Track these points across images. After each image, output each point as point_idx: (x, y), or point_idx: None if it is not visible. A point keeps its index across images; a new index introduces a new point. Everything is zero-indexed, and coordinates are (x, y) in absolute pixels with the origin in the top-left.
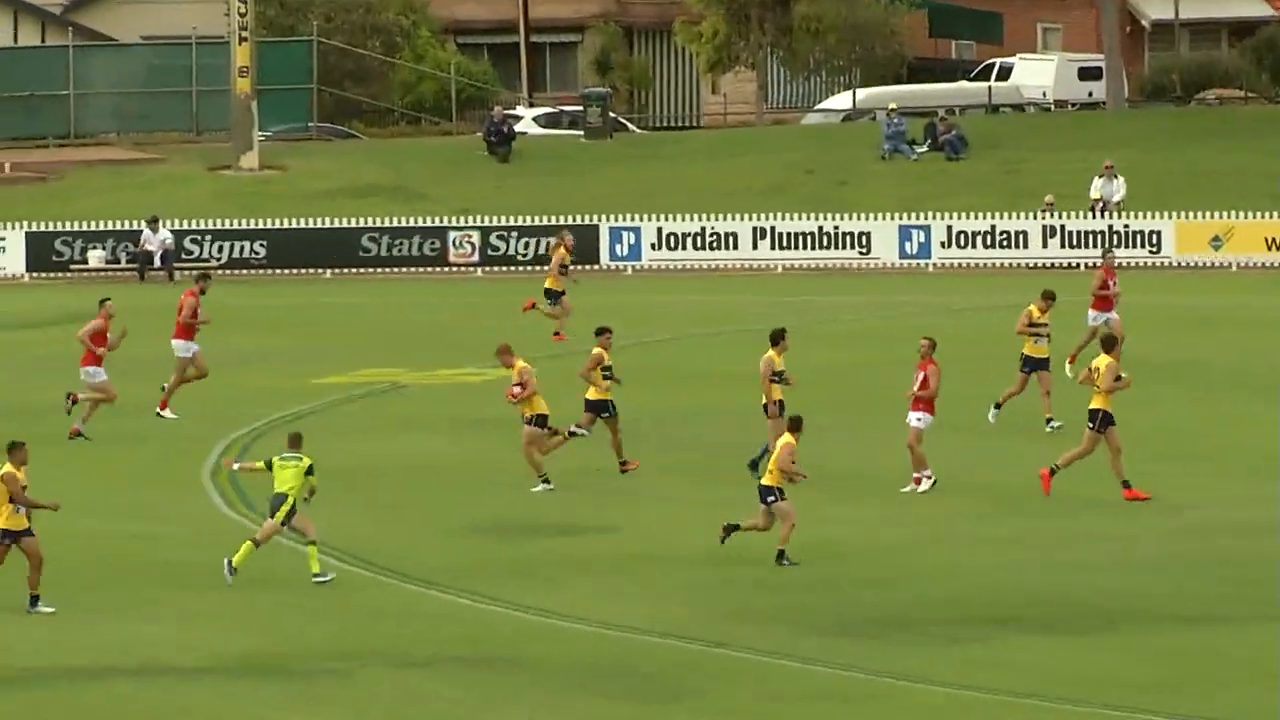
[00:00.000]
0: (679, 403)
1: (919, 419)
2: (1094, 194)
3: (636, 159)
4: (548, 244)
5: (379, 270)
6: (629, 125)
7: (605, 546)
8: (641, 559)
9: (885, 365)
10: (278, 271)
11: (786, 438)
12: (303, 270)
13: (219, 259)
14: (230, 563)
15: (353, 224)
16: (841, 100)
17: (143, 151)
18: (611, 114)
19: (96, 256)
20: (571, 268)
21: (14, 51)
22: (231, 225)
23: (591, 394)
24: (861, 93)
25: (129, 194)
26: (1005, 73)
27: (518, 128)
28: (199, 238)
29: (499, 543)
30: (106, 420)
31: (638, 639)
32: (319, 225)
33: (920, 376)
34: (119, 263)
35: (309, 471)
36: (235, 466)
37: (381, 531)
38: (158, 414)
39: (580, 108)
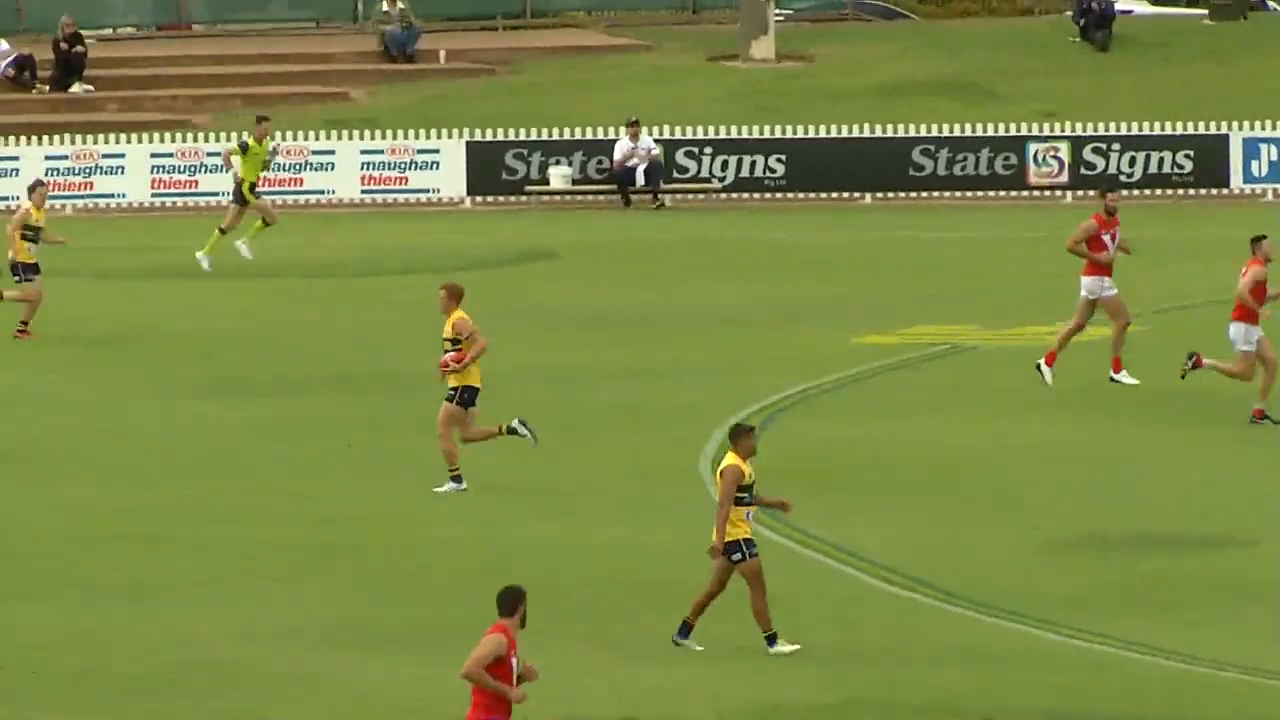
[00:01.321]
0: None
1: None
2: None
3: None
4: (1160, 160)
5: (935, 194)
6: (1269, 2)
7: (1249, 565)
8: None
9: None
10: (799, 195)
11: None
12: (833, 194)
13: (722, 178)
14: None
15: (900, 133)
16: None
17: (622, 36)
18: None
19: (560, 175)
20: (1187, 192)
21: None
22: (739, 134)
23: None
24: None
25: (603, 93)
26: None
27: (1120, 6)
28: (695, 150)
29: (1109, 559)
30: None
31: None
32: (854, 134)
33: None
34: (589, 182)
35: None
36: None
37: (948, 544)
38: None
39: None
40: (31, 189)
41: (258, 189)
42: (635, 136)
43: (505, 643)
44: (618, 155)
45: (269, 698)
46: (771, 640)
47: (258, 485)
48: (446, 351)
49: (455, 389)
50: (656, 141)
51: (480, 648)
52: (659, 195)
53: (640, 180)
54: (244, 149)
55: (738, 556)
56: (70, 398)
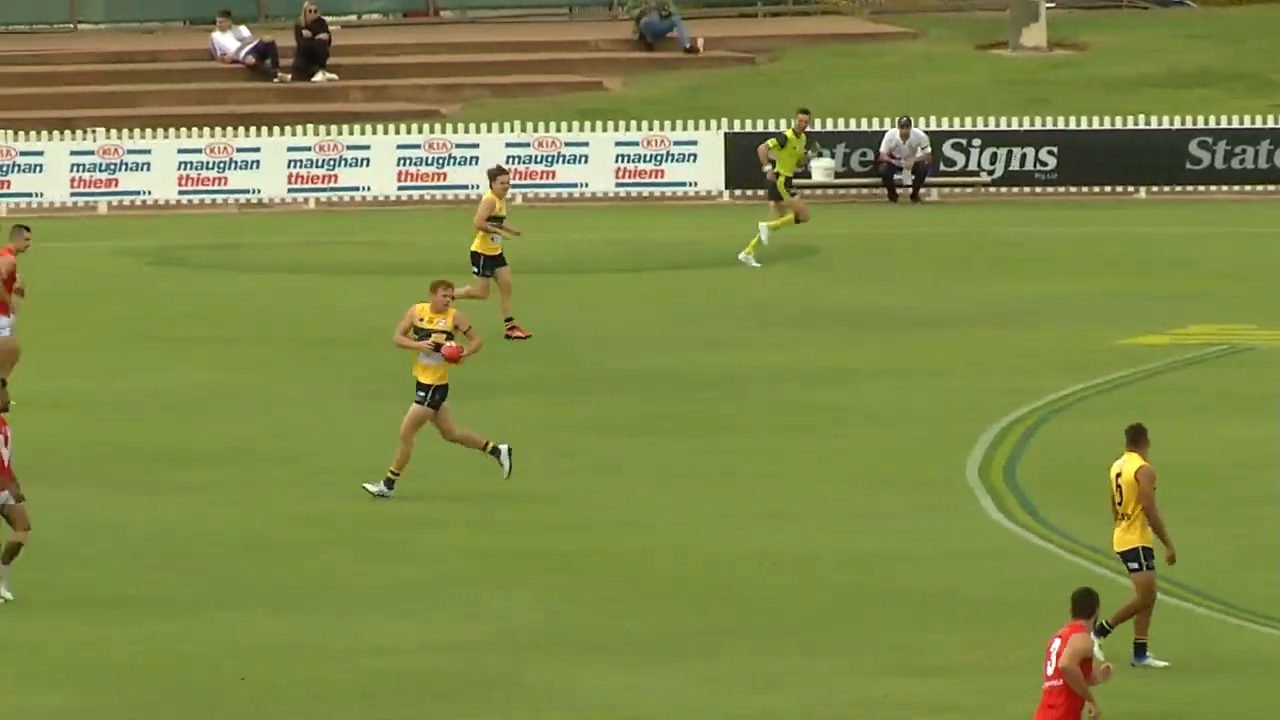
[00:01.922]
0: None
1: None
2: None
3: None
4: None
5: (1212, 187)
6: None
7: None
8: None
9: None
10: (1071, 189)
11: None
12: (1105, 187)
13: (991, 171)
14: None
15: (1176, 124)
16: None
17: (887, 24)
18: None
19: (822, 167)
20: None
21: None
22: (1009, 126)
23: None
24: None
25: (867, 81)
26: None
27: None
28: (963, 142)
29: None
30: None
31: None
32: (1129, 126)
33: None
34: (852, 175)
35: None
36: None
37: (1223, 553)
38: None
39: None
40: (493, 176)
41: (793, 184)
42: (905, 136)
43: (1092, 643)
44: (884, 149)
45: (470, 708)
46: (1140, 651)
47: (459, 490)
48: (440, 343)
49: (429, 389)
50: (927, 133)
51: (1073, 644)
52: (919, 192)
53: (908, 176)
54: (782, 142)
55: (1135, 566)
56: (278, 398)
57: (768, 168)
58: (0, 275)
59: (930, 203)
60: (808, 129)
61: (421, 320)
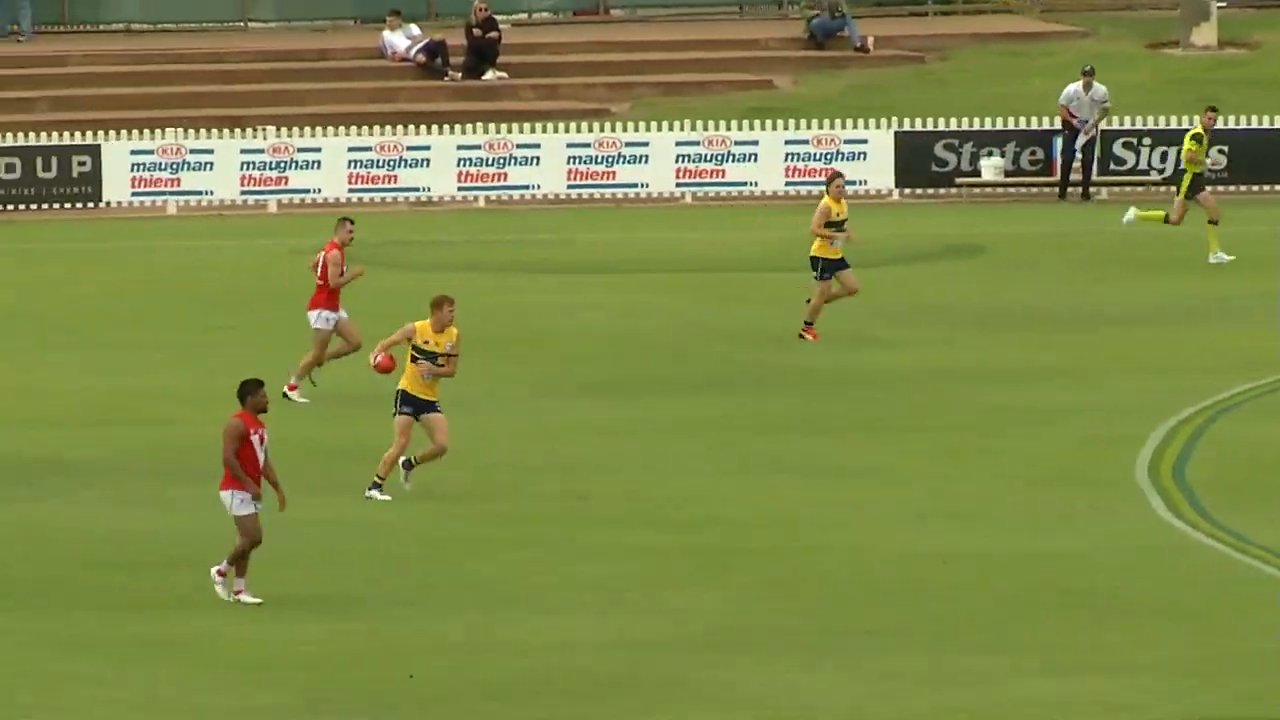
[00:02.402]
0: None
1: None
2: None
3: None
4: None
5: None
6: None
7: None
8: None
9: None
10: (1241, 188)
11: None
12: (1277, 186)
13: (1161, 170)
14: None
15: None
16: None
17: (1057, 22)
18: None
19: (992, 166)
20: None
21: None
22: (1179, 124)
23: None
24: None
25: (1036, 80)
26: None
27: None
28: (1133, 140)
29: None
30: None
31: None
32: None
33: None
34: (1022, 174)
35: None
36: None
37: None
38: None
39: None
40: (830, 180)
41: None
42: (1088, 87)
43: None
44: (1063, 101)
45: (640, 707)
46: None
47: (628, 489)
48: (431, 360)
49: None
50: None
51: None
52: (1089, 190)
53: (1080, 141)
54: (1199, 139)
55: None
56: (451, 397)
57: (1199, 165)
58: (334, 269)
59: (1100, 201)
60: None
61: (427, 343)
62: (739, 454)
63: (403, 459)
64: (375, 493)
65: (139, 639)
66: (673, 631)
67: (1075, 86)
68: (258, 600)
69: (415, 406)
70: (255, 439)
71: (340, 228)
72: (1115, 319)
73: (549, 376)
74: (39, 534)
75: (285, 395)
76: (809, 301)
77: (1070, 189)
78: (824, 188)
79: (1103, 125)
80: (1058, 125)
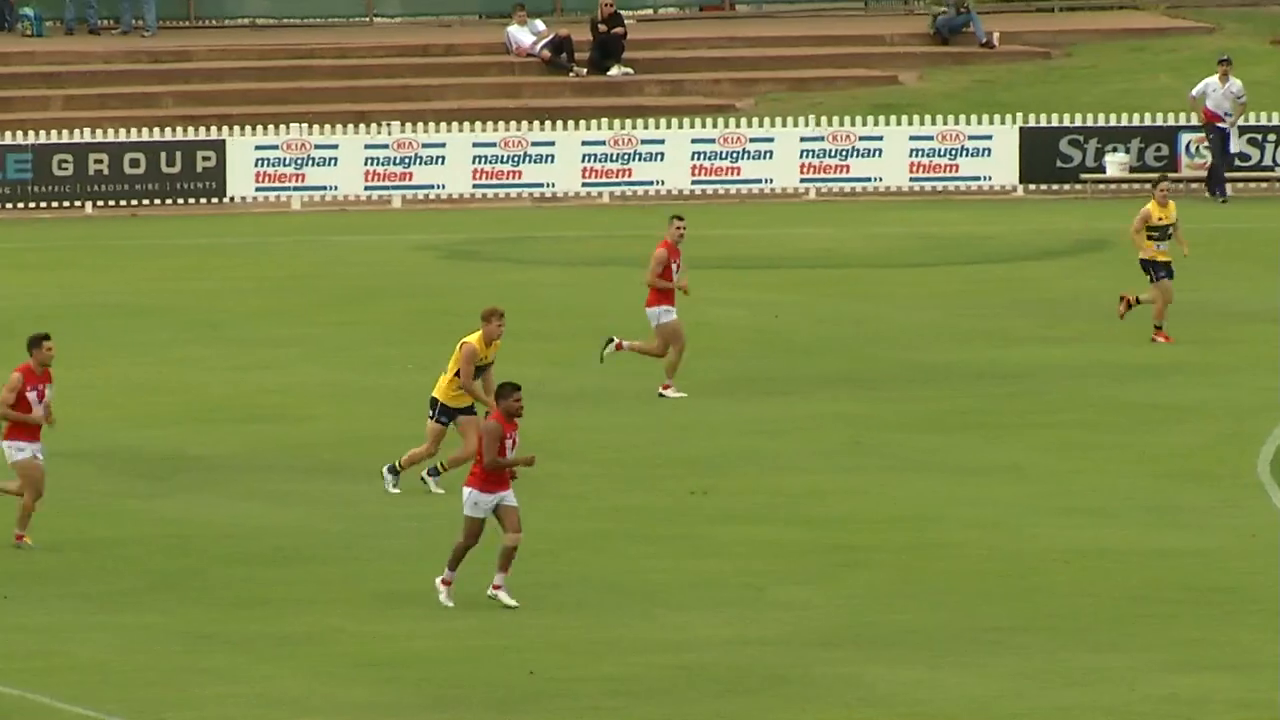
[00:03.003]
0: None
1: None
2: None
3: None
4: None
5: None
6: None
7: None
8: None
9: None
10: None
11: None
12: None
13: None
14: None
15: None
16: None
17: (1183, 19)
18: None
19: (1117, 162)
20: None
21: None
22: None
23: None
24: None
25: (1162, 76)
26: None
27: None
28: (1258, 137)
29: None
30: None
31: None
32: None
33: None
34: (1147, 170)
35: None
36: None
37: None
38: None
39: None
40: (1155, 183)
41: None
42: (1225, 77)
43: None
44: (1196, 93)
45: (764, 704)
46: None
47: (755, 484)
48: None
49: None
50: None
51: None
52: (1222, 193)
53: (1233, 142)
54: None
55: None
56: (572, 392)
57: None
58: (656, 266)
59: (1226, 197)
60: None
61: (483, 359)
62: (868, 450)
63: (429, 466)
64: (391, 480)
65: (266, 635)
66: (796, 628)
67: (1212, 80)
68: (513, 603)
69: (449, 415)
70: (508, 442)
71: (671, 225)
72: (1242, 315)
73: (678, 373)
74: (174, 529)
75: (661, 394)
76: (1136, 302)
77: (1194, 184)
78: (1152, 189)
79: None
80: (1182, 121)
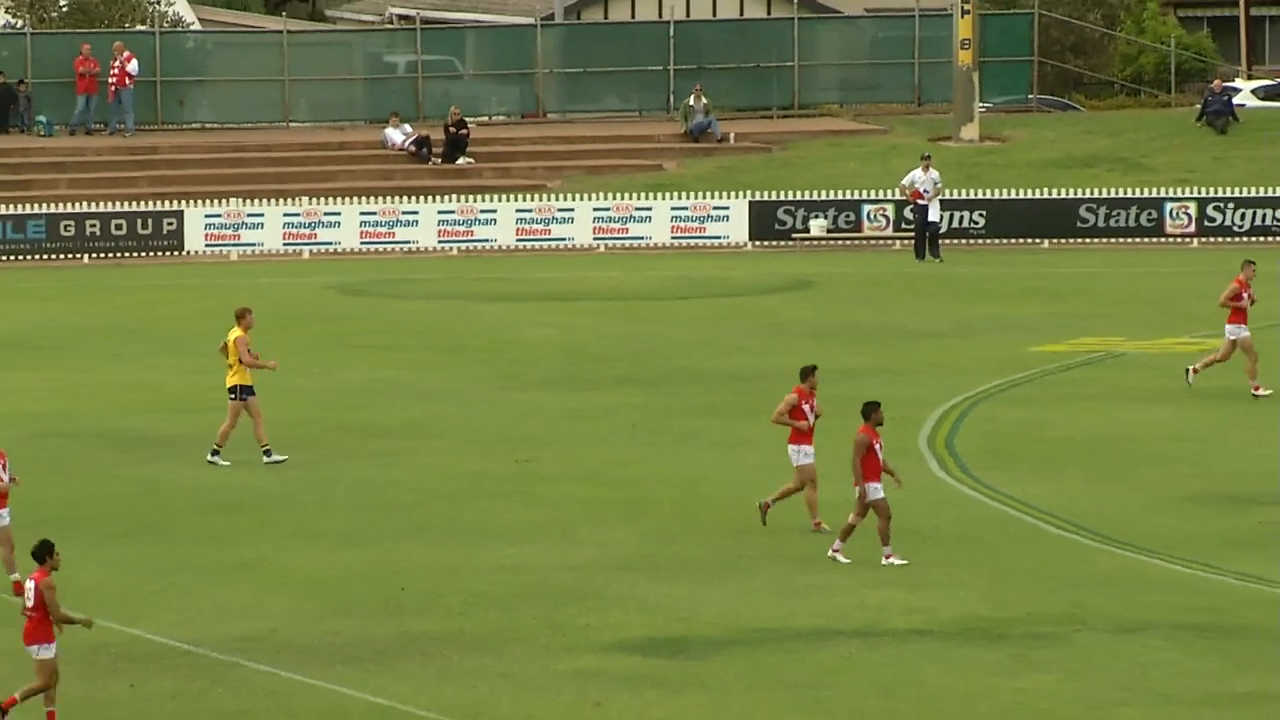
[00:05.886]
0: None
1: None
2: None
3: None
4: (1264, 216)
5: (1095, 240)
6: None
7: None
8: None
9: None
10: (996, 241)
11: None
12: (1020, 240)
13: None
14: None
15: (1071, 194)
16: None
17: (865, 123)
18: None
19: (818, 225)
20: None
21: (742, 24)
22: (952, 195)
23: None
24: None
25: (851, 163)
26: None
27: (1236, 100)
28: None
29: (1223, 513)
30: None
31: None
32: (1037, 195)
33: None
34: (840, 231)
35: None
36: None
37: (1101, 500)
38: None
39: None
40: (1243, 265)
41: None
42: (926, 169)
43: None
44: (905, 182)
45: (576, 611)
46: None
47: (569, 455)
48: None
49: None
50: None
51: None
52: (935, 253)
53: (933, 214)
54: None
55: None
56: (437, 390)
57: None
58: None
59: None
60: None
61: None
62: (649, 430)
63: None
64: (216, 458)
65: (218, 564)
66: (599, 558)
67: (916, 171)
68: (902, 561)
69: (247, 392)
70: (877, 446)
71: (1245, 268)
72: (913, 333)
73: (509, 374)
74: (148, 488)
75: (1254, 395)
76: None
77: (876, 241)
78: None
79: (896, 196)
80: (865, 196)
